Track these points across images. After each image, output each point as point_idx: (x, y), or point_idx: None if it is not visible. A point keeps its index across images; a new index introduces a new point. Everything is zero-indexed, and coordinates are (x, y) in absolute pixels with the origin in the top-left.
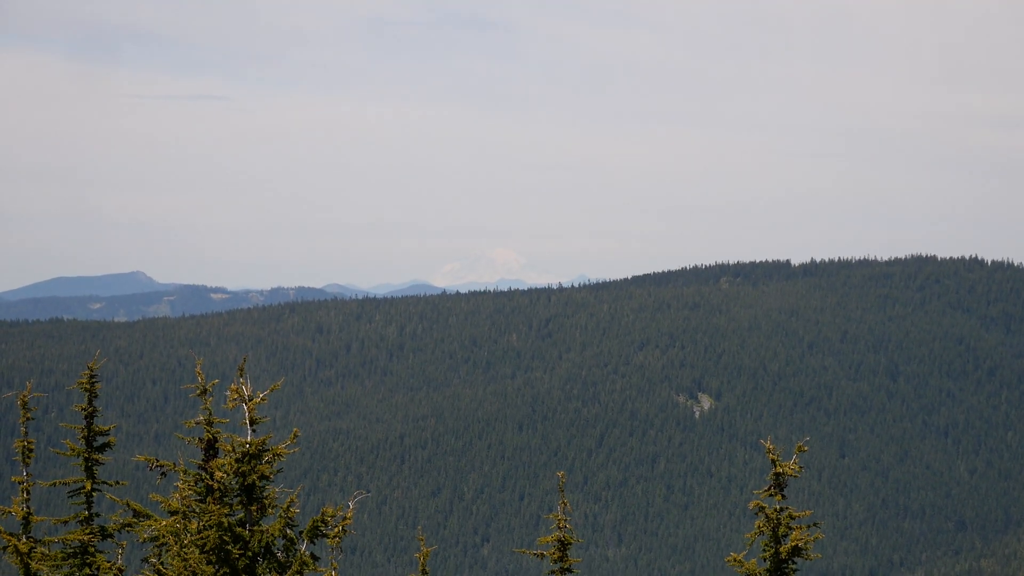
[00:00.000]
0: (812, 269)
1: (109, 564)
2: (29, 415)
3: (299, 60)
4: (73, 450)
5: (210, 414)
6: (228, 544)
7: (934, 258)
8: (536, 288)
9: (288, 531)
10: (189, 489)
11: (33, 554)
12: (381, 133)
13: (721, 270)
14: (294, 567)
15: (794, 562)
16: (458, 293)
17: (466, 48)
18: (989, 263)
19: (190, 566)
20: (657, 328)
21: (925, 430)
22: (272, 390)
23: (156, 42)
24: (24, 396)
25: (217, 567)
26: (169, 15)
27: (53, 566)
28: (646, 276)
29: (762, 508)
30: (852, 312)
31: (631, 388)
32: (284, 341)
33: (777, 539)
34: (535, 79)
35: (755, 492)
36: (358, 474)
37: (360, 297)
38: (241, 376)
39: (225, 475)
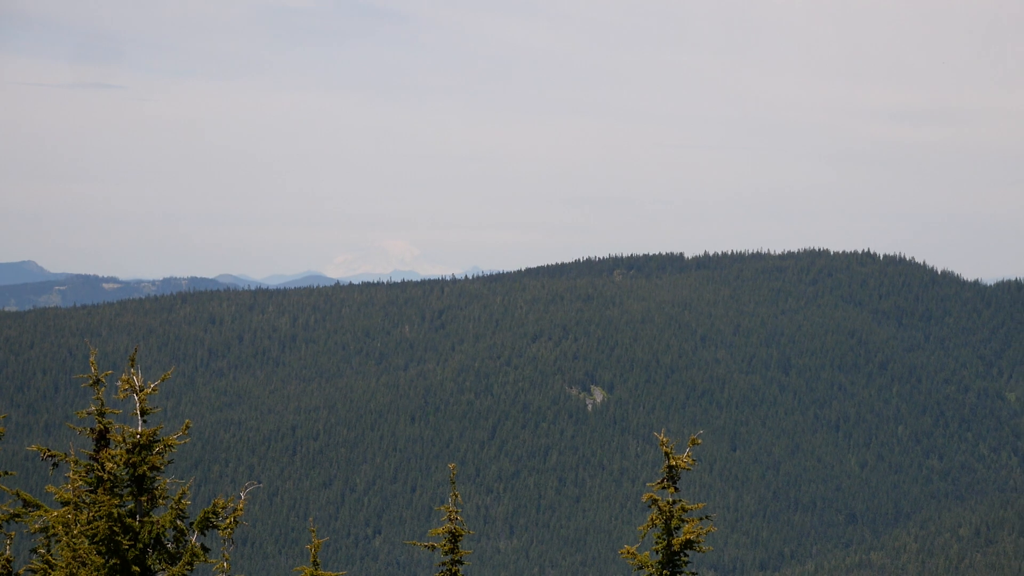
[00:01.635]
0: (705, 262)
1: None
2: None
3: (198, 49)
4: None
5: (102, 404)
6: (118, 535)
7: (827, 252)
8: (429, 279)
9: (179, 522)
10: (80, 479)
11: None
12: (277, 122)
13: (615, 263)
14: (184, 558)
15: (686, 554)
16: (351, 284)
17: (365, 37)
18: (881, 257)
19: (79, 556)
20: (550, 320)
21: (816, 423)
22: (163, 380)
23: (52, 29)
24: None
25: (107, 558)
26: (66, 1)
27: None
28: (540, 268)
29: (655, 500)
30: (745, 305)
31: (524, 380)
32: (176, 331)
33: (670, 531)
34: (432, 69)
35: (648, 485)
36: (250, 465)
37: (253, 288)
38: (132, 366)
39: (116, 466)
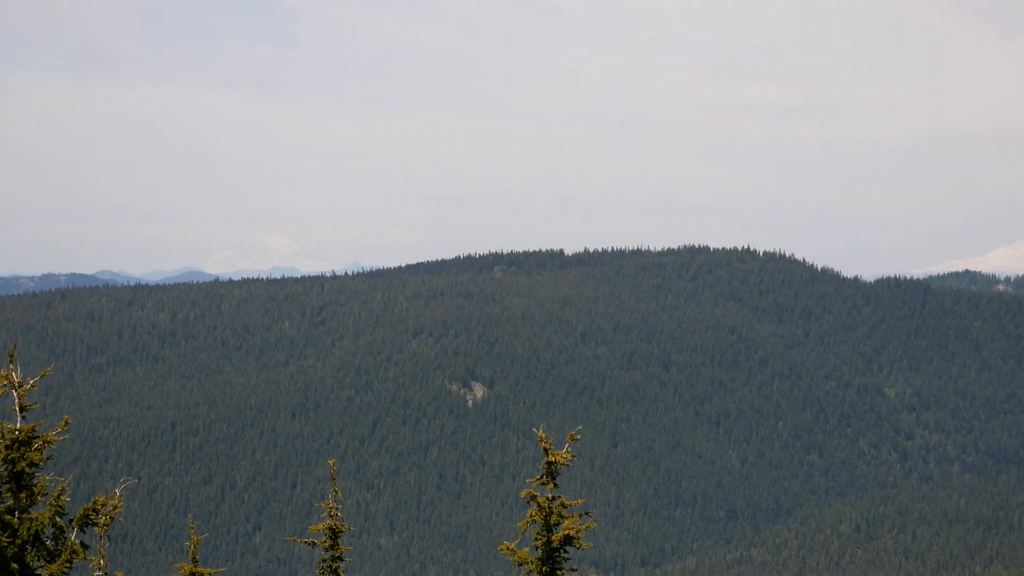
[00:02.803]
0: (585, 259)
1: None
2: None
3: (73, 43)
4: None
5: None
6: None
7: (707, 248)
8: (310, 276)
9: (58, 519)
10: None
11: None
12: (155, 118)
13: (495, 259)
14: (64, 556)
15: (566, 551)
16: (231, 280)
17: (243, 32)
18: (761, 254)
19: None
20: (431, 316)
21: (697, 419)
22: (42, 376)
23: None
24: None
25: None
26: None
27: None
28: (420, 264)
29: (534, 497)
30: (625, 302)
31: (404, 376)
32: (55, 327)
33: (549, 528)
34: (311, 64)
35: (527, 481)
36: (129, 461)
37: (132, 284)
38: (11, 362)
39: None
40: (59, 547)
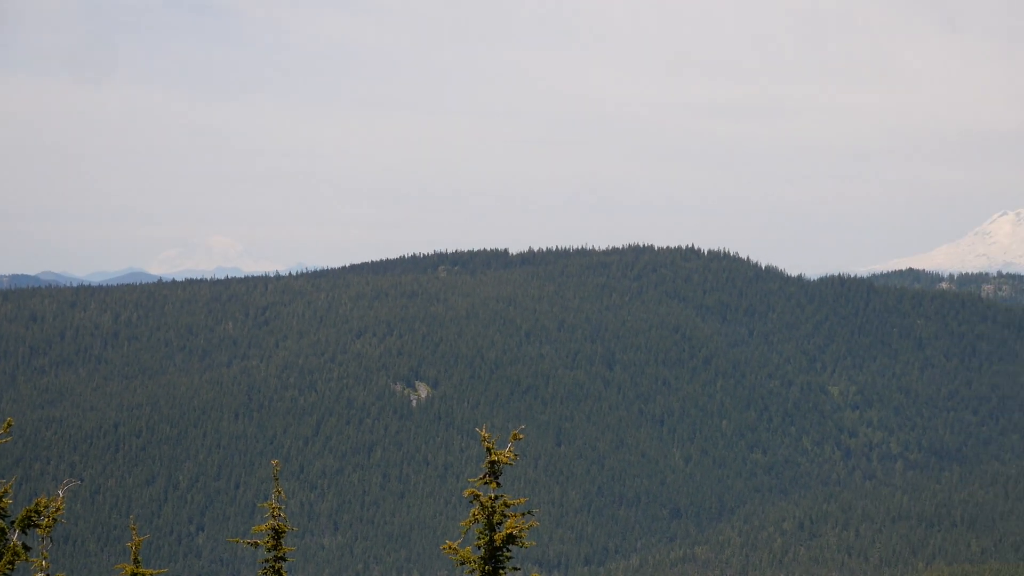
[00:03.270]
0: (530, 258)
1: None
2: None
3: (9, 42)
4: None
5: None
6: None
7: (651, 247)
8: (253, 276)
9: (0, 521)
10: None
11: None
12: (97, 117)
13: (439, 259)
14: (6, 557)
15: (509, 550)
16: (174, 281)
17: (187, 32)
18: (705, 253)
19: None
20: (375, 316)
21: (641, 418)
22: None
23: None
24: None
25: None
26: None
27: None
28: (364, 264)
29: (477, 496)
30: (569, 301)
31: (348, 376)
32: None
33: (492, 527)
34: (257, 64)
35: (470, 480)
36: (71, 463)
37: (75, 285)
38: None
39: None
40: (1, 548)
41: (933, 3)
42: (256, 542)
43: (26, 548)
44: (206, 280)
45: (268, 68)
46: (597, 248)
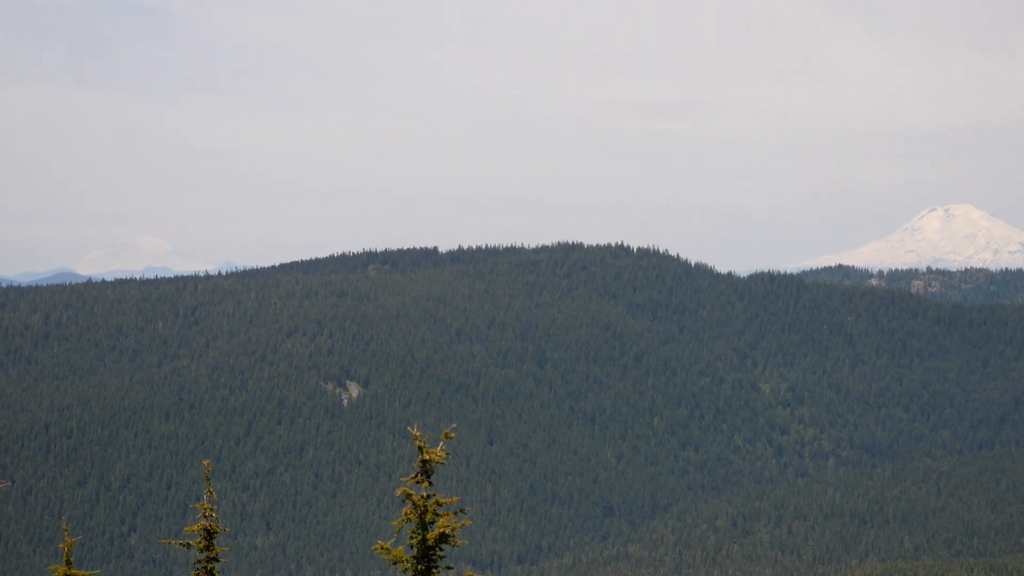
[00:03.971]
0: (460, 256)
1: None
2: None
3: None
4: None
5: None
6: None
7: (581, 245)
8: (183, 276)
9: None
10: None
11: None
12: (24, 117)
13: (369, 257)
14: None
15: (441, 549)
16: (104, 281)
17: (113, 33)
18: (635, 250)
19: None
20: (305, 316)
21: (572, 416)
22: None
23: None
24: None
25: None
26: None
27: None
28: (294, 263)
29: (409, 495)
30: (500, 299)
31: (279, 376)
32: None
33: (424, 526)
34: (182, 64)
35: (402, 479)
36: (2, 464)
37: (4, 285)
38: None
39: None
40: None
41: (860, 2)
42: (188, 543)
43: None
44: (136, 280)
45: (196, 68)
46: (527, 246)
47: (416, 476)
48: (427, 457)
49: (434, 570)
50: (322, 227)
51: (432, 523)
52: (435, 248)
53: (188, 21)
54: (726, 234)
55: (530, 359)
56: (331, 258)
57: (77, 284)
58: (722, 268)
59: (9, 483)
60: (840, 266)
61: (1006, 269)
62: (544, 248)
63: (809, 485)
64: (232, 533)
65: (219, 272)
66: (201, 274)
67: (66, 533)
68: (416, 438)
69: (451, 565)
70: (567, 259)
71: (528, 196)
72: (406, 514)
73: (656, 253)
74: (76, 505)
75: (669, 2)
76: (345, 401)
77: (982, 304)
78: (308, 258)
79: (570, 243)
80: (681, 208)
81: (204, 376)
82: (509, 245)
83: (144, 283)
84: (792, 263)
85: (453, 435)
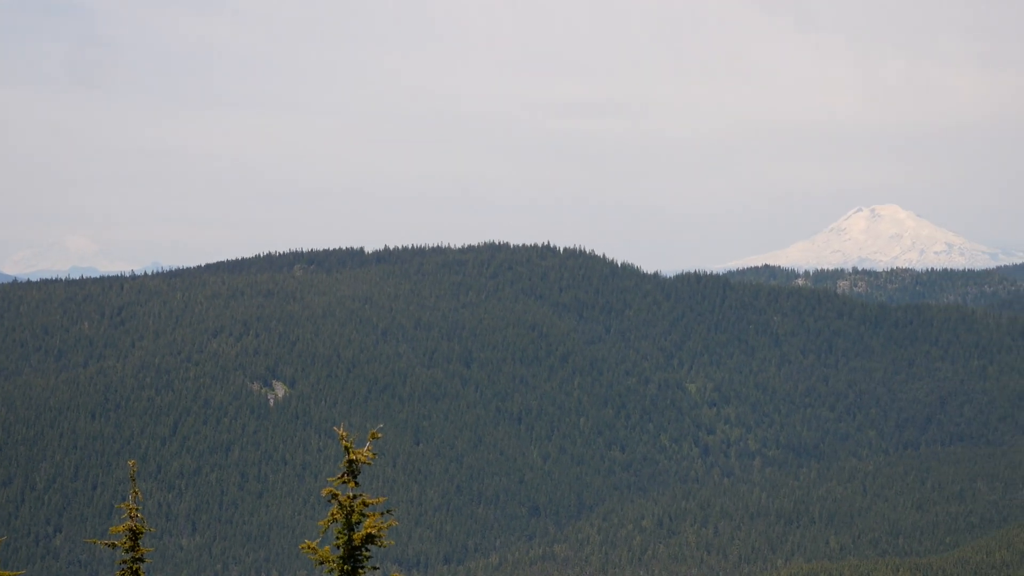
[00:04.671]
0: (386, 256)
1: None
2: None
3: None
4: None
5: None
6: None
7: (507, 245)
8: (109, 276)
9: None
10: None
11: None
12: None
13: (295, 257)
14: None
15: (368, 549)
16: (29, 281)
17: (49, 31)
18: (561, 250)
19: None
20: (231, 316)
21: (499, 416)
22: None
23: None
24: None
25: None
26: None
27: None
28: (220, 264)
29: (335, 495)
30: (426, 299)
31: (205, 376)
32: None
33: (351, 526)
34: (112, 63)
35: (329, 480)
36: None
37: None
38: None
39: None
40: None
41: (791, 3)
42: (114, 543)
43: None
44: (61, 280)
45: (126, 66)
46: (453, 246)
47: (342, 476)
48: (353, 457)
49: (360, 570)
50: (248, 227)
51: (358, 523)
52: (361, 248)
53: (115, 19)
54: (652, 234)
55: (456, 359)
56: (257, 258)
57: (2, 284)
58: (648, 268)
59: None
60: (766, 266)
61: (931, 269)
62: (470, 248)
63: (735, 485)
64: (158, 533)
65: (145, 272)
66: (127, 274)
67: None
68: (342, 438)
69: (377, 565)
70: (493, 259)
71: (454, 196)
72: (332, 514)
73: (582, 253)
74: (1, 505)
75: (599, 2)
76: (271, 401)
77: (908, 304)
78: (234, 258)
79: (496, 243)
80: (608, 208)
81: (130, 376)
82: (435, 245)
83: (70, 283)
84: (718, 263)
85: (379, 435)
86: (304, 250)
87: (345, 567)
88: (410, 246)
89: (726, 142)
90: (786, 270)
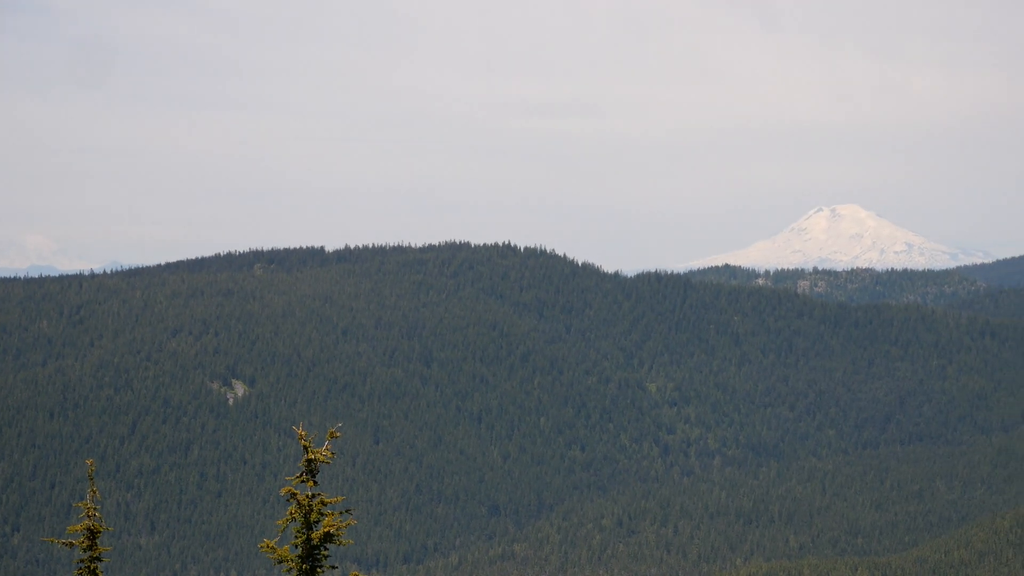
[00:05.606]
0: (346, 255)
1: None
2: None
3: None
4: None
5: None
6: None
7: (468, 245)
8: (68, 274)
9: None
10: None
11: None
12: None
13: (255, 256)
14: None
15: (326, 548)
16: None
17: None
18: (522, 250)
19: None
20: (191, 315)
21: (459, 415)
22: None
23: None
24: None
25: None
26: None
27: None
28: (180, 262)
29: (294, 495)
30: (386, 299)
31: (164, 375)
32: None
33: (309, 525)
34: (67, 61)
35: (287, 479)
36: None
37: None
38: None
39: None
40: None
41: (751, 2)
42: (71, 542)
43: None
44: (20, 278)
45: (82, 64)
46: (414, 245)
47: (301, 475)
48: (312, 456)
49: (319, 569)
50: (208, 226)
51: (317, 522)
52: (322, 247)
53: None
54: (613, 234)
55: (416, 358)
56: (217, 257)
57: None
58: (609, 268)
59: None
60: (727, 266)
61: (891, 269)
62: (431, 247)
63: (695, 484)
64: (116, 532)
65: (104, 271)
66: (86, 273)
67: None
68: (301, 437)
69: (336, 564)
70: (454, 258)
71: (415, 195)
72: (291, 513)
73: (543, 253)
74: None
75: (562, 2)
76: (231, 400)
77: (868, 304)
78: (194, 257)
79: (457, 242)
80: (568, 208)
81: (89, 375)
82: (396, 244)
83: (28, 282)
84: (679, 263)
85: (339, 434)
86: (264, 249)
87: (304, 566)
88: (371, 245)
89: (688, 142)
90: (747, 270)
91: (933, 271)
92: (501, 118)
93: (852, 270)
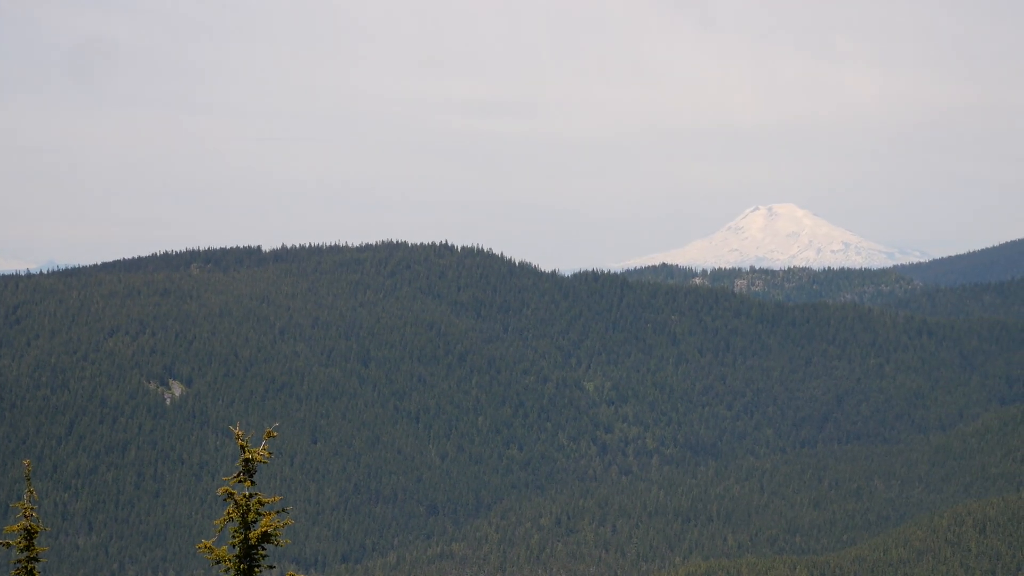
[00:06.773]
0: (283, 255)
1: None
2: None
3: None
4: None
5: None
6: None
7: (405, 244)
8: (3, 274)
9: None
10: None
11: None
12: None
13: (192, 256)
14: None
15: (264, 548)
16: None
17: None
18: (459, 249)
19: None
20: (127, 315)
21: (397, 415)
22: None
23: None
24: None
25: None
26: None
27: None
28: (116, 262)
29: (231, 495)
30: (323, 298)
31: (101, 375)
32: None
33: (247, 525)
34: (8, 59)
35: (225, 479)
36: None
37: None
38: None
39: None
40: None
41: (689, 2)
42: (8, 542)
43: None
44: None
45: (18, 64)
46: (350, 245)
47: (239, 475)
48: (249, 456)
49: (256, 569)
50: (145, 225)
51: (254, 522)
52: (258, 247)
53: (9, 17)
54: (550, 233)
55: (354, 358)
56: (154, 257)
57: None
58: (546, 267)
59: None
60: (664, 265)
61: (828, 268)
62: (368, 247)
63: (633, 483)
64: (53, 533)
65: (40, 271)
66: (22, 272)
67: None
68: (238, 437)
69: (274, 564)
70: (391, 258)
71: (352, 194)
72: (228, 513)
73: (480, 252)
74: None
75: (494, 1)
76: (168, 400)
77: (805, 303)
78: (131, 257)
79: (394, 242)
80: (505, 207)
81: (25, 375)
82: (333, 244)
83: None
84: (616, 262)
85: (276, 434)
86: (201, 249)
87: (241, 566)
88: (307, 245)
89: (624, 141)
90: (684, 269)
91: (870, 270)
92: (438, 117)
93: (789, 269)
